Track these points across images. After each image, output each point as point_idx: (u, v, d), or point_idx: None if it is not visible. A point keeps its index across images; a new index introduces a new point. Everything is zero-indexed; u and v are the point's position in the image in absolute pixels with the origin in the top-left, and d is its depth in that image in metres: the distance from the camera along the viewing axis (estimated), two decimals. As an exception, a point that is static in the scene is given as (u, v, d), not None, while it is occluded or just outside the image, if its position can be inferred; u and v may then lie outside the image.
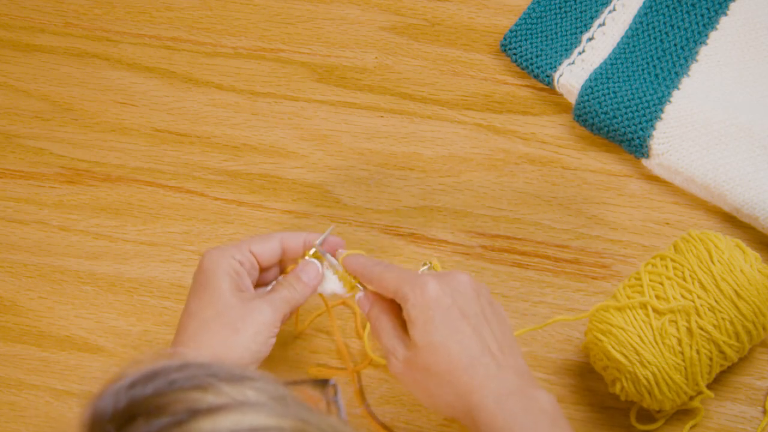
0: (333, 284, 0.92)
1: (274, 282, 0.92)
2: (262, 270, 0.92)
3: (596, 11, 1.12)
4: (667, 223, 1.03)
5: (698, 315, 0.90)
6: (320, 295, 0.93)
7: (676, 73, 1.06)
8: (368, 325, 0.99)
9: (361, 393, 0.96)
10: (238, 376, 0.57)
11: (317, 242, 0.92)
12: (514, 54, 1.10)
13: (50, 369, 1.03)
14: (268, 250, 0.90)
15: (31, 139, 1.13)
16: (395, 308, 0.88)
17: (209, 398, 0.55)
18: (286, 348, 1.00)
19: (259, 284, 0.92)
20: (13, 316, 1.05)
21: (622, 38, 1.09)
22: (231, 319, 0.86)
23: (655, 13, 1.10)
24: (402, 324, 0.86)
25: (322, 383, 0.66)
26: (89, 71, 1.16)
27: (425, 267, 0.90)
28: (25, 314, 1.05)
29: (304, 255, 0.92)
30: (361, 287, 0.90)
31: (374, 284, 0.88)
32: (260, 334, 0.86)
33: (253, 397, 0.56)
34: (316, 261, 0.91)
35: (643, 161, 1.05)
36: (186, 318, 0.88)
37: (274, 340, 0.87)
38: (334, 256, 0.92)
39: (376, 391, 0.98)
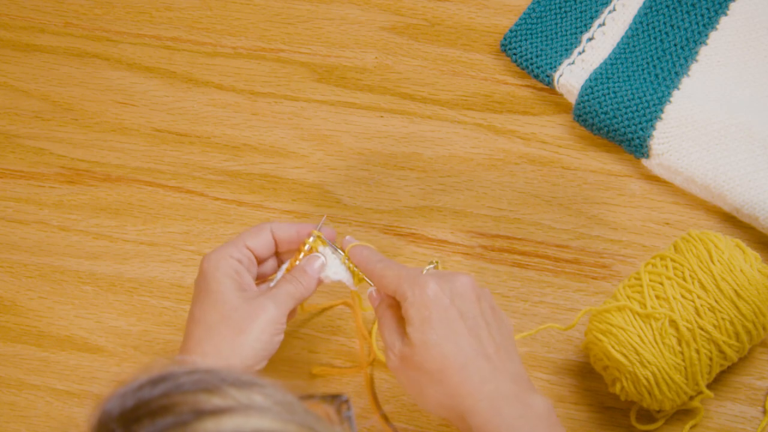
0: (339, 272, 0.91)
1: (274, 275, 0.92)
2: (260, 263, 0.92)
3: (596, 11, 1.12)
4: (667, 223, 1.03)
5: (698, 315, 0.90)
6: (349, 301, 0.91)
7: (676, 73, 1.06)
8: (375, 324, 0.98)
9: (375, 399, 0.96)
10: (246, 381, 0.57)
11: (317, 228, 0.91)
12: (514, 54, 1.10)
13: (50, 369, 1.03)
14: (262, 242, 0.90)
15: (31, 139, 1.13)
16: (398, 307, 0.88)
17: (215, 400, 0.55)
18: (286, 348, 1.00)
19: (258, 278, 0.92)
20: (13, 316, 1.05)
21: (622, 38, 1.09)
22: (236, 320, 0.86)
23: (655, 13, 1.10)
24: (403, 322, 0.86)
25: (334, 398, 0.66)
26: (89, 71, 1.16)
27: (431, 266, 0.90)
28: (25, 314, 1.05)
29: (303, 245, 0.91)
30: (368, 281, 0.90)
31: (374, 280, 0.88)
32: (266, 332, 0.86)
33: (259, 401, 0.56)
34: (320, 255, 0.91)
35: (643, 161, 1.05)
36: (192, 325, 0.88)
37: (281, 336, 0.87)
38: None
39: (377, 389, 0.98)
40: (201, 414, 0.55)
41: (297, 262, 0.91)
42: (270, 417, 0.56)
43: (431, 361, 0.83)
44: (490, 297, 0.87)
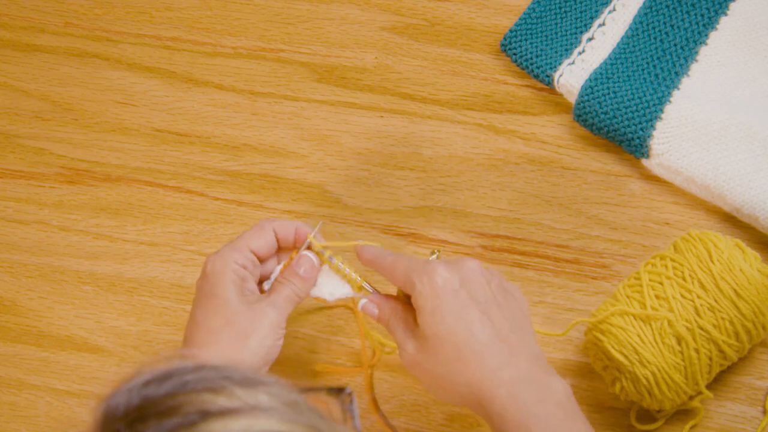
0: (336, 287, 0.90)
1: (273, 277, 0.92)
2: (261, 262, 0.91)
3: (596, 11, 1.12)
4: (667, 223, 1.03)
5: (698, 315, 0.90)
6: (350, 304, 0.91)
7: (676, 73, 1.06)
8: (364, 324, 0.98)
9: (374, 400, 0.96)
10: (251, 380, 0.57)
11: (311, 235, 0.90)
12: (514, 54, 1.10)
13: (50, 369, 1.03)
14: (265, 244, 0.89)
15: (31, 139, 1.13)
16: (406, 305, 0.88)
17: (221, 401, 0.55)
18: (286, 348, 1.00)
19: (260, 279, 0.92)
20: (13, 316, 1.05)
21: (622, 38, 1.09)
22: (240, 326, 0.86)
23: (655, 13, 1.10)
24: (414, 318, 0.86)
25: (337, 391, 0.65)
26: (89, 71, 1.16)
27: (433, 256, 0.89)
28: (25, 314, 1.05)
29: (295, 246, 0.90)
30: (367, 287, 0.89)
31: (387, 274, 0.87)
32: (268, 337, 0.86)
33: (265, 401, 0.56)
34: (310, 253, 0.90)
35: (643, 161, 1.05)
36: (193, 328, 0.88)
37: (282, 341, 0.87)
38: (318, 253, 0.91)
39: (376, 390, 0.98)
40: (207, 415, 0.54)
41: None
42: (277, 418, 0.55)
43: (445, 351, 0.82)
44: (499, 277, 0.86)
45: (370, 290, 0.90)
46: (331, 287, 0.90)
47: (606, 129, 1.05)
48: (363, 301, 0.89)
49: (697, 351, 0.89)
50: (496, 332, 0.83)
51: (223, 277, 0.87)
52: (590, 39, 1.10)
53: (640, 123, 1.04)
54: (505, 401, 0.80)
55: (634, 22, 1.10)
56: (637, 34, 1.09)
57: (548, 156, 1.07)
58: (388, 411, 0.98)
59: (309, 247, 0.90)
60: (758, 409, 0.96)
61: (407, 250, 1.04)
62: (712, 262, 0.91)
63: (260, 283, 0.91)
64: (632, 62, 1.08)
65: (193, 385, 0.56)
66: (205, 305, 0.87)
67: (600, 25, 1.11)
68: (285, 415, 0.56)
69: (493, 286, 0.85)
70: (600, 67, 1.07)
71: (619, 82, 1.06)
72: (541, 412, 0.80)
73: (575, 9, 1.12)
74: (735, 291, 0.90)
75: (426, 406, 0.98)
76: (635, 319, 0.90)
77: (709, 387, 0.94)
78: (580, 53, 1.09)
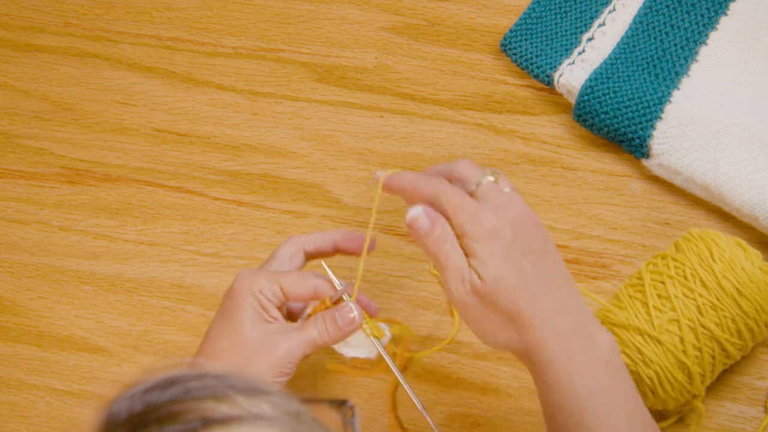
0: (360, 345, 0.88)
1: (306, 312, 0.90)
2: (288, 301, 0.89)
3: (596, 11, 1.12)
4: (667, 223, 1.03)
5: (700, 313, 0.90)
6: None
7: (676, 73, 1.06)
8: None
9: (394, 404, 0.95)
10: (254, 388, 0.57)
11: (353, 295, 0.87)
12: (514, 54, 1.10)
13: (50, 369, 1.03)
14: (298, 292, 0.88)
15: (31, 139, 1.13)
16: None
17: (223, 408, 0.55)
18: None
19: (289, 314, 0.91)
20: (13, 316, 1.05)
21: (622, 38, 1.09)
22: (246, 352, 0.85)
23: (655, 13, 1.10)
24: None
25: (339, 403, 0.65)
26: (89, 71, 1.16)
27: (491, 178, 0.84)
28: (25, 314, 1.05)
29: (338, 301, 0.87)
30: (386, 332, 0.87)
31: (433, 203, 0.84)
32: (269, 372, 0.85)
33: (267, 410, 0.56)
34: (355, 305, 0.86)
35: (643, 161, 1.05)
36: (205, 341, 0.88)
37: (286, 378, 0.86)
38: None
39: (375, 391, 0.98)
40: (209, 423, 0.54)
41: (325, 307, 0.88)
42: (278, 427, 0.55)
43: (503, 300, 0.81)
44: (542, 225, 0.85)
45: (393, 366, 0.87)
46: (354, 346, 0.88)
47: (606, 129, 1.05)
48: (417, 210, 0.83)
49: (699, 350, 0.89)
50: (547, 283, 0.82)
51: (244, 301, 0.86)
52: (590, 39, 1.10)
53: (640, 123, 1.04)
54: (551, 350, 0.80)
55: (634, 22, 1.10)
56: (637, 34, 1.09)
57: (548, 156, 1.07)
58: (388, 411, 0.98)
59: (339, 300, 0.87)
60: (758, 409, 0.96)
61: (407, 250, 1.04)
62: (714, 260, 0.91)
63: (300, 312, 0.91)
64: (632, 62, 1.08)
65: (196, 393, 0.56)
66: (220, 322, 0.87)
67: (600, 25, 1.11)
68: (287, 425, 0.56)
69: (540, 235, 0.83)
70: (600, 67, 1.07)
71: (619, 82, 1.06)
72: (584, 363, 0.80)
73: (575, 9, 1.12)
74: (737, 289, 0.90)
75: (426, 406, 0.98)
76: (637, 318, 0.90)
77: (709, 387, 0.94)
78: (580, 53, 1.09)
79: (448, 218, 0.83)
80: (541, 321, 0.81)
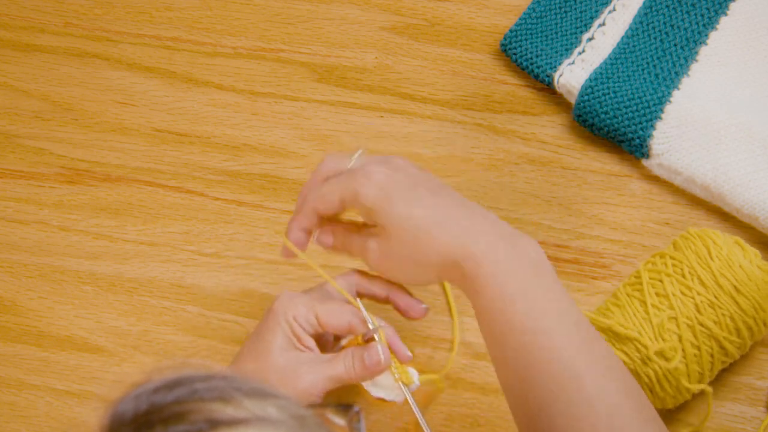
0: (390, 389, 0.87)
1: (340, 345, 0.89)
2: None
3: (596, 11, 1.12)
4: (667, 223, 1.03)
5: (698, 311, 0.90)
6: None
7: (676, 73, 1.06)
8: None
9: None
10: (261, 391, 0.57)
11: (381, 343, 0.86)
12: (514, 54, 1.10)
13: (50, 369, 1.03)
14: (333, 324, 0.87)
15: (31, 139, 1.13)
16: (356, 227, 0.87)
17: (229, 410, 0.55)
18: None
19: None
20: (13, 316, 1.05)
21: (622, 38, 1.09)
22: (269, 378, 0.84)
23: (655, 13, 1.10)
24: (365, 230, 0.85)
25: (345, 408, 0.65)
26: (89, 71, 1.16)
27: (357, 154, 0.87)
28: (25, 314, 1.05)
29: (370, 340, 0.86)
30: (415, 379, 0.87)
31: (322, 197, 0.86)
32: (300, 399, 0.83)
33: (273, 413, 0.56)
34: (383, 348, 0.85)
35: (643, 161, 1.05)
36: (237, 357, 0.88)
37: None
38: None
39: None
40: (215, 424, 0.54)
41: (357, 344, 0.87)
42: (283, 430, 0.55)
43: (410, 229, 0.82)
44: (429, 172, 0.87)
45: (415, 383, 0.87)
46: (381, 387, 0.87)
47: (606, 129, 1.05)
48: (316, 233, 0.88)
49: (698, 348, 0.89)
50: (453, 201, 0.83)
51: (277, 325, 0.85)
52: (590, 39, 1.10)
53: (640, 123, 1.04)
54: (480, 258, 0.80)
55: (634, 22, 1.10)
56: (637, 34, 1.09)
57: (548, 156, 1.07)
58: (387, 412, 0.98)
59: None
60: (758, 409, 0.96)
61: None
62: (711, 258, 0.91)
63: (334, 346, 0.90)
64: (632, 62, 1.08)
65: (202, 394, 0.56)
66: (251, 342, 0.87)
67: (600, 25, 1.11)
68: (292, 429, 0.56)
69: (428, 173, 0.85)
70: (600, 67, 1.07)
71: (619, 82, 1.06)
72: (511, 268, 0.80)
73: (575, 9, 1.12)
74: (735, 287, 0.90)
75: (425, 406, 0.98)
76: (635, 316, 0.90)
77: (709, 386, 0.94)
78: (580, 53, 1.09)
79: (340, 198, 0.84)
80: (460, 232, 0.81)
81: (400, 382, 0.86)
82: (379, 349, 0.85)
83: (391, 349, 0.86)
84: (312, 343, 0.87)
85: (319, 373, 0.85)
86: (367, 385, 0.87)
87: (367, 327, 0.86)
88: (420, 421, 0.86)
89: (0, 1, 1.20)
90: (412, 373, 0.87)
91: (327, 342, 0.91)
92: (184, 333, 1.03)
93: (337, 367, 0.85)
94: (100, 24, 1.18)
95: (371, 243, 0.84)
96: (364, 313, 0.87)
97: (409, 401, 0.86)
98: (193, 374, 0.57)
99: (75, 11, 1.19)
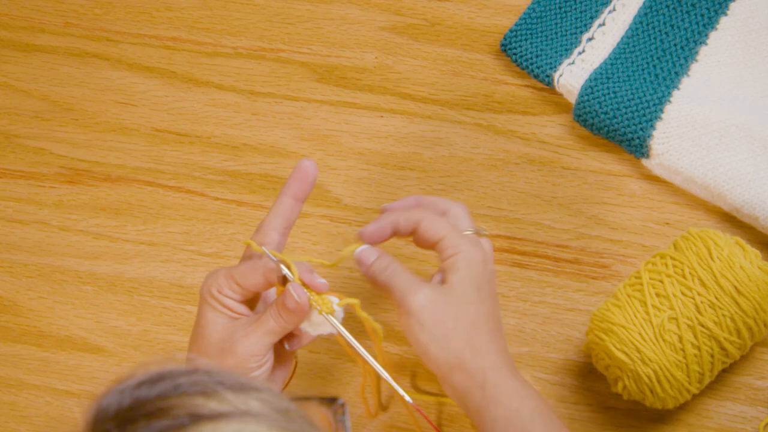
0: (324, 323, 0.85)
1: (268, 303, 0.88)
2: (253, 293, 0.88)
3: (596, 11, 1.12)
4: (667, 223, 1.03)
5: (698, 312, 0.90)
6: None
7: (676, 73, 1.06)
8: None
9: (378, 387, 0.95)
10: (243, 385, 0.57)
11: (294, 282, 0.84)
12: (514, 54, 1.10)
13: (50, 369, 1.03)
14: (252, 282, 0.84)
15: (31, 139, 1.13)
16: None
17: (212, 405, 0.55)
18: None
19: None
20: (13, 316, 1.05)
21: (622, 38, 1.09)
22: (210, 358, 0.83)
23: (655, 13, 1.10)
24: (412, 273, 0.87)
25: (330, 401, 0.65)
26: (89, 71, 1.16)
27: (485, 232, 0.91)
28: (25, 314, 1.05)
29: (284, 283, 0.84)
30: (335, 306, 0.85)
31: (420, 229, 0.88)
32: (239, 369, 0.82)
33: (256, 407, 0.56)
34: (300, 286, 0.83)
35: (643, 161, 1.05)
36: (188, 349, 0.87)
37: (262, 369, 0.83)
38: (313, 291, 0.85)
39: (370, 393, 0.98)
40: (197, 418, 0.55)
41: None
42: (266, 424, 0.56)
43: (468, 312, 0.85)
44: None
45: (356, 346, 0.86)
46: (317, 324, 0.85)
47: (606, 129, 1.05)
48: (362, 247, 0.88)
49: (698, 348, 0.89)
50: (497, 314, 0.88)
51: (204, 304, 0.84)
52: (590, 39, 1.10)
53: (640, 123, 1.04)
54: (504, 376, 0.84)
55: (634, 22, 1.10)
56: (637, 34, 1.09)
57: (548, 156, 1.07)
58: (387, 412, 0.98)
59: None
60: (758, 409, 0.96)
61: (407, 249, 1.04)
62: (712, 259, 0.91)
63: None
64: (632, 62, 1.08)
65: (185, 388, 0.56)
66: (194, 328, 0.86)
67: (600, 25, 1.11)
68: (275, 422, 0.56)
69: (497, 299, 0.90)
70: (600, 67, 1.07)
71: (619, 82, 1.06)
72: (528, 397, 0.84)
73: (575, 9, 1.12)
74: (735, 288, 0.90)
75: (425, 407, 0.98)
76: (636, 317, 0.90)
77: (709, 387, 0.94)
78: (580, 53, 1.09)
79: (439, 237, 0.87)
80: (496, 344, 0.85)
81: (324, 314, 0.84)
82: (292, 289, 0.83)
83: (307, 286, 0.84)
84: (244, 308, 0.85)
85: (252, 333, 0.83)
86: (305, 327, 0.85)
87: (281, 272, 0.84)
88: (355, 346, 0.85)
89: (0, 1, 1.20)
90: (333, 300, 0.85)
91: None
92: (184, 333, 1.03)
93: (268, 322, 0.83)
94: (100, 24, 1.18)
95: (424, 289, 0.86)
96: (270, 256, 0.84)
97: (337, 327, 0.84)
98: (176, 369, 0.57)
99: (75, 11, 1.19)
